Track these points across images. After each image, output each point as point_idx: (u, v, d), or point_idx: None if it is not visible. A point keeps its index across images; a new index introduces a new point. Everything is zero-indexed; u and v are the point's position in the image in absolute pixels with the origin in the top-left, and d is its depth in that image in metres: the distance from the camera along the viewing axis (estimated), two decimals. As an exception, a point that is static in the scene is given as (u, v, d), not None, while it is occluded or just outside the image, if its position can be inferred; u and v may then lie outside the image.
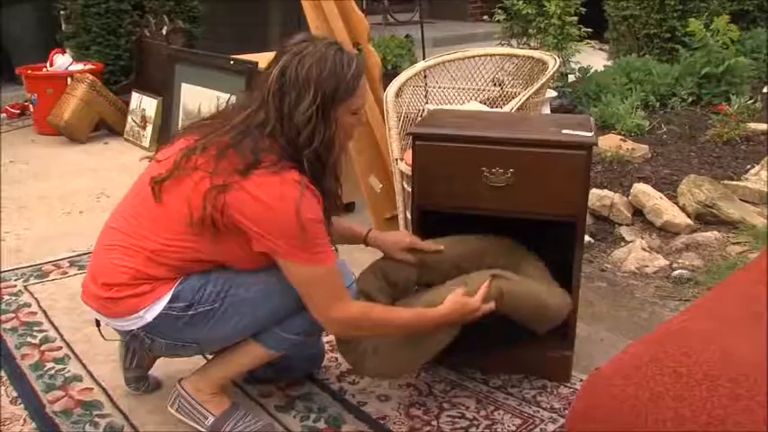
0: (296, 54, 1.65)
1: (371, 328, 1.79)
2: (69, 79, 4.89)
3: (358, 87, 1.70)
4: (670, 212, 3.05)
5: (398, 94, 2.89)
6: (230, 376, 1.91)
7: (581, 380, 2.06)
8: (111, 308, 1.72)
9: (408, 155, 2.47)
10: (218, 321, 1.72)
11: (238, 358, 1.85)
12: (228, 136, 1.65)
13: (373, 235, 2.08)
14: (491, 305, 1.85)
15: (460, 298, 1.83)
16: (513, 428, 1.91)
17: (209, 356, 2.05)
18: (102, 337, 1.90)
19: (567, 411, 1.94)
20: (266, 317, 1.76)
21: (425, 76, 3.12)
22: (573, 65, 4.88)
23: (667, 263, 2.81)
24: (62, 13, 5.47)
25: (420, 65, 3.13)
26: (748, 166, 3.54)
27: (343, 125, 1.72)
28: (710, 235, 2.94)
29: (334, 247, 1.77)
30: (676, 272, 2.73)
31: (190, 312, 1.69)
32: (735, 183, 3.32)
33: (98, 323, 1.85)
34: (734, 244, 2.90)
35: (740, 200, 3.18)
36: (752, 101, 4.35)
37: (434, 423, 1.93)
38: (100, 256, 1.77)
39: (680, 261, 2.82)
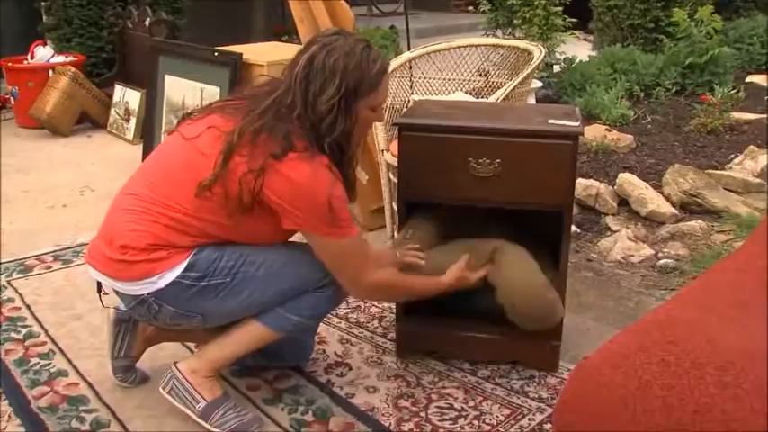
0: (325, 45, 1.72)
1: (394, 292, 1.96)
2: (51, 72, 4.83)
3: (380, 84, 1.77)
4: (655, 202, 3.07)
5: (384, 85, 2.87)
6: (228, 357, 1.90)
7: (568, 369, 2.07)
8: (123, 271, 1.72)
9: (394, 146, 2.47)
10: (227, 295, 1.74)
11: (239, 337, 1.85)
12: (261, 121, 1.69)
13: None
14: (483, 272, 2.02)
15: (463, 273, 1.99)
16: (502, 419, 1.91)
17: (196, 349, 2.06)
18: (102, 303, 1.90)
19: (554, 401, 1.95)
20: (274, 295, 1.78)
21: (411, 67, 3.11)
22: (558, 55, 4.89)
23: (653, 252, 2.82)
24: (43, 4, 5.41)
25: (405, 56, 3.12)
26: (732, 156, 3.56)
27: (362, 119, 1.78)
28: (695, 224, 2.96)
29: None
30: (662, 261, 2.74)
31: (202, 283, 1.72)
32: (719, 172, 3.34)
33: (99, 288, 1.85)
34: (718, 233, 2.92)
35: (724, 189, 3.20)
36: (735, 90, 4.37)
37: (423, 414, 1.93)
38: (116, 219, 1.77)
39: (665, 250, 2.83)
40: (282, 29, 7.06)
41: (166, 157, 1.82)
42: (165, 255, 1.70)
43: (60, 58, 5.01)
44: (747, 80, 4.95)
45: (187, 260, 1.70)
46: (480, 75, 3.21)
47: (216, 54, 3.71)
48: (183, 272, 1.70)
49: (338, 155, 1.75)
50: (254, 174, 1.64)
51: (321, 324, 2.31)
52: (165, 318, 1.79)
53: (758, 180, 3.27)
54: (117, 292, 1.79)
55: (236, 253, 1.75)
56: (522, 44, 3.16)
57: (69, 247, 2.99)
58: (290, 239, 1.90)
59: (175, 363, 1.88)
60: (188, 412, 1.85)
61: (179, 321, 1.81)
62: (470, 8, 5.55)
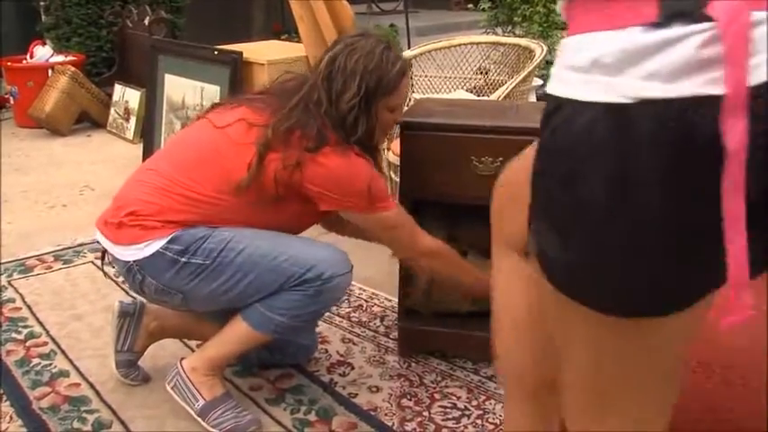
0: (347, 46, 1.80)
1: (448, 263, 1.95)
2: (50, 71, 4.83)
3: (399, 86, 1.83)
4: (657, 200, 3.05)
5: (385, 83, 2.86)
6: (224, 355, 1.89)
7: (571, 368, 2.06)
8: (116, 233, 1.78)
9: (396, 144, 2.46)
10: (206, 278, 1.75)
11: (230, 336, 1.86)
12: (293, 118, 1.76)
13: None
14: None
15: None
16: (505, 417, 1.91)
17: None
18: (104, 273, 1.97)
19: (557, 400, 1.94)
20: (252, 284, 1.77)
21: (411, 66, 3.10)
22: (558, 53, 4.88)
23: (655, 250, 2.81)
24: (42, 3, 5.40)
25: (405, 54, 3.11)
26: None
27: (381, 120, 1.83)
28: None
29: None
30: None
31: (183, 259, 1.73)
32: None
33: (103, 256, 1.91)
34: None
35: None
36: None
37: (426, 414, 1.93)
38: (132, 189, 1.84)
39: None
40: (282, 27, 7.06)
41: (196, 140, 1.86)
42: (158, 225, 1.74)
43: (59, 58, 5.00)
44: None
45: (174, 232, 1.74)
46: (480, 73, 3.21)
47: (216, 53, 3.70)
48: (167, 243, 1.73)
49: (364, 153, 1.81)
50: (290, 169, 1.71)
51: (323, 323, 2.31)
52: (149, 291, 1.81)
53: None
54: (113, 259, 1.83)
55: (221, 236, 1.76)
56: (524, 42, 3.16)
57: (69, 247, 2.99)
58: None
59: (181, 359, 1.89)
60: (188, 410, 1.85)
61: (162, 297, 1.84)
62: (470, 6, 5.54)
